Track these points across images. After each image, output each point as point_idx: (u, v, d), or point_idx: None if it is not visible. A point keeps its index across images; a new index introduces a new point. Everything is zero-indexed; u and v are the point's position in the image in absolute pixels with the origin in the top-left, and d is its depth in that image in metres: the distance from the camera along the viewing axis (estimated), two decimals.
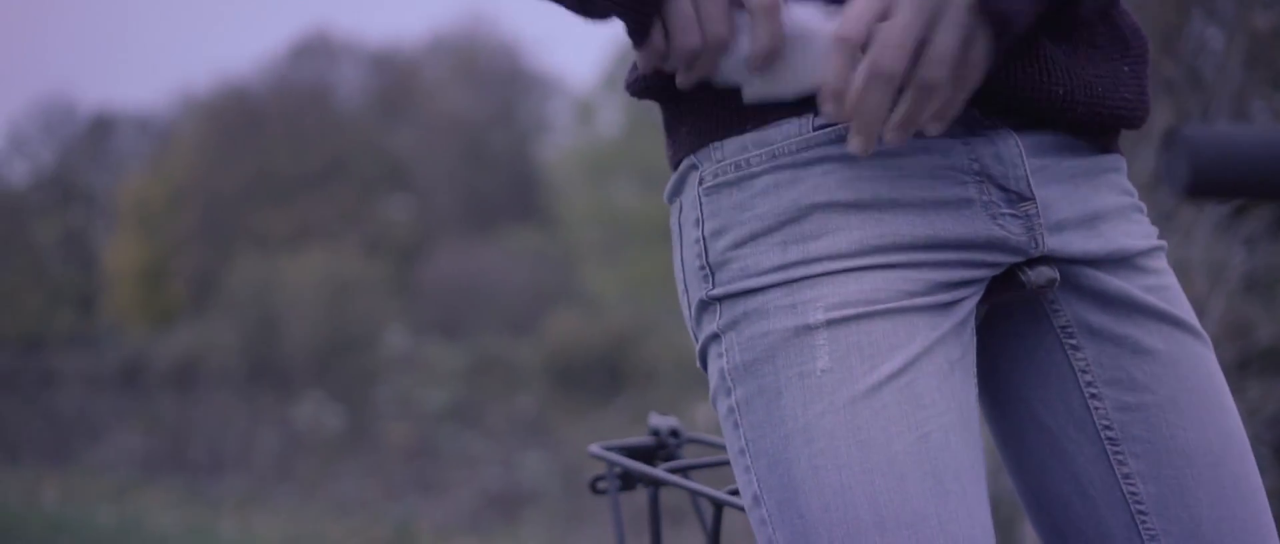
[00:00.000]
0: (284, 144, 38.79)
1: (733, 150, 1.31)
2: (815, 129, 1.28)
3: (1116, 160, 1.40)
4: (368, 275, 35.36)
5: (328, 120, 40.04)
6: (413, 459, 8.39)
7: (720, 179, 1.31)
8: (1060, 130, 1.33)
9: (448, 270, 34.36)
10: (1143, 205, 1.42)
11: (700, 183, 1.33)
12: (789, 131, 1.29)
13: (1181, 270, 6.28)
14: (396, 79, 40.88)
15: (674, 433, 1.87)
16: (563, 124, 39.90)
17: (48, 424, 18.38)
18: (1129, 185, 1.41)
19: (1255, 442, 6.31)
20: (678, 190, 1.37)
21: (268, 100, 40.23)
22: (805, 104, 1.27)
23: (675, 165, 1.37)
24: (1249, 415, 6.27)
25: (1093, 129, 1.35)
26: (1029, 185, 1.30)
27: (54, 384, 31.67)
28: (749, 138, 1.30)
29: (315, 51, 41.05)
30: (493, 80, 40.52)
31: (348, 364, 28.69)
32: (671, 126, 1.38)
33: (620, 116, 32.67)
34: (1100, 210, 1.36)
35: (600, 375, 25.70)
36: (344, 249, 35.95)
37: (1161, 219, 6.23)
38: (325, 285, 34.32)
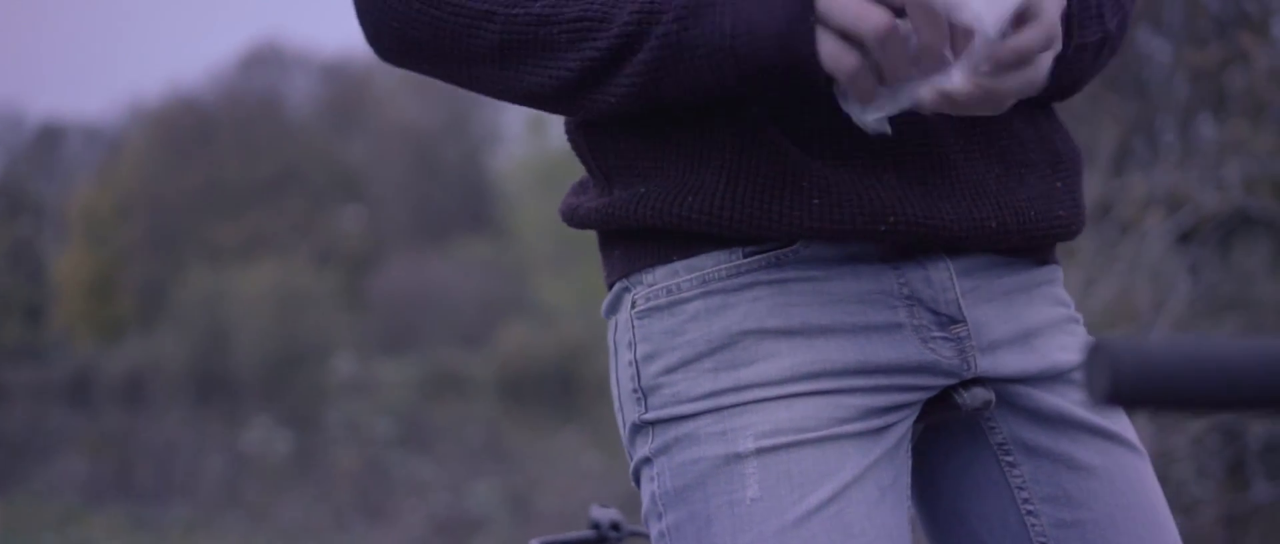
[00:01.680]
0: (234, 154, 38.60)
1: (663, 275, 1.30)
2: (745, 256, 1.27)
3: (1052, 272, 1.39)
4: (318, 287, 35.22)
5: (279, 130, 39.88)
6: (361, 485, 8.35)
7: (652, 304, 1.30)
8: (993, 253, 1.32)
9: (399, 281, 34.27)
10: (1078, 316, 1.42)
11: (633, 306, 1.32)
12: (719, 258, 1.27)
13: (1128, 296, 6.31)
14: (348, 89, 40.75)
15: (615, 526, 1.86)
16: (515, 134, 39.87)
17: None
18: (1064, 296, 1.40)
19: (1200, 474, 6.35)
20: (613, 309, 1.36)
21: (218, 110, 40.04)
22: (734, 230, 1.25)
23: (610, 286, 1.36)
24: (1194, 443, 6.32)
25: (1026, 250, 1.34)
26: (960, 308, 1.29)
27: (0, 399, 31.35)
28: (680, 264, 1.29)
29: (266, 61, 40.88)
30: (444, 90, 40.38)
31: (297, 383, 28.56)
32: (605, 249, 1.37)
33: None
34: (1035, 326, 1.35)
35: (553, 387, 25.68)
36: (294, 260, 35.79)
37: (1107, 246, 6.27)
38: (275, 297, 34.17)
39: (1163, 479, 1.38)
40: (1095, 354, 0.74)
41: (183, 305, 35.27)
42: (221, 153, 38.57)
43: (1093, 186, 6.06)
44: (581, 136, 1.35)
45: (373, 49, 1.34)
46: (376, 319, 34.24)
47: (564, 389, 25.07)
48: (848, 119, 1.23)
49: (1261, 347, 0.73)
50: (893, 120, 1.21)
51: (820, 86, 1.17)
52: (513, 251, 33.70)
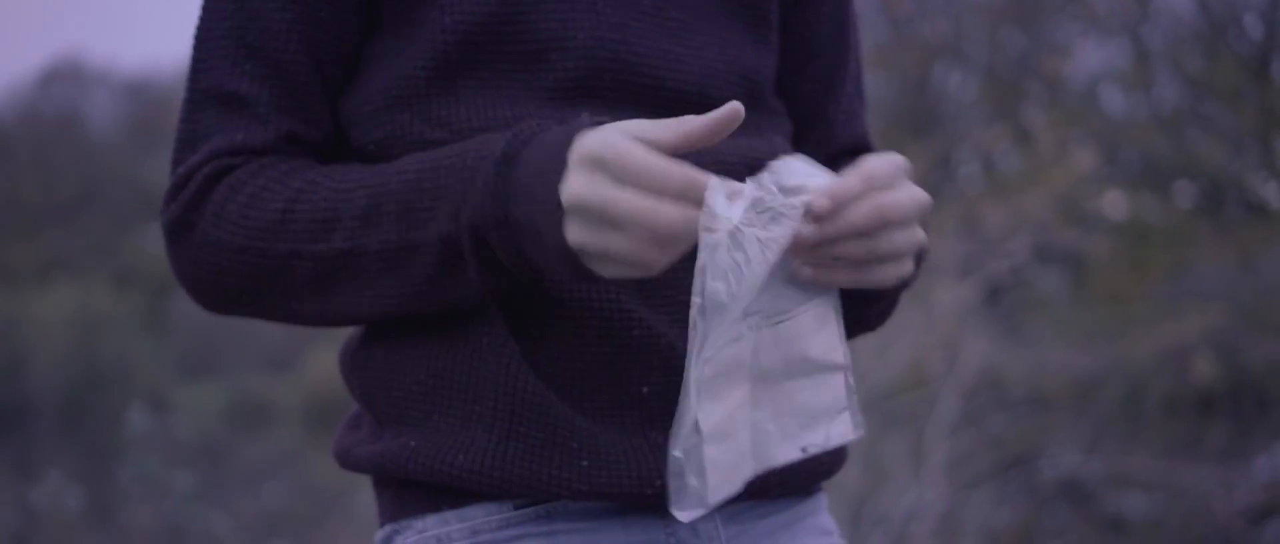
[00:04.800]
0: (31, 174, 37.47)
1: (433, 523, 1.29)
2: (515, 508, 1.27)
3: (816, 502, 1.42)
4: (120, 309, 34.31)
5: (79, 149, 38.80)
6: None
7: None
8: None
9: None
10: (842, 542, 1.45)
11: None
12: (490, 510, 1.27)
13: (920, 361, 6.43)
14: (151, 107, 39.76)
15: None
16: None
17: None
18: (828, 523, 1.43)
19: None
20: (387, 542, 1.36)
21: (14, 128, 38.83)
22: (503, 491, 1.26)
23: (382, 524, 1.36)
24: (994, 504, 6.50)
25: (788, 495, 1.37)
26: None
27: None
28: (450, 513, 1.28)
29: (66, 79, 39.75)
30: None
31: (98, 408, 27.80)
32: (378, 489, 1.36)
33: None
34: None
35: None
36: (95, 283, 34.82)
37: (899, 312, 6.38)
38: (74, 320, 33.21)
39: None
40: None
41: None
42: (18, 172, 37.41)
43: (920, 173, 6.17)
44: (354, 379, 1.35)
45: (195, 302, 1.36)
46: (180, 343, 33.47)
47: None
48: (616, 376, 1.24)
49: None
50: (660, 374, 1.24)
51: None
52: None
